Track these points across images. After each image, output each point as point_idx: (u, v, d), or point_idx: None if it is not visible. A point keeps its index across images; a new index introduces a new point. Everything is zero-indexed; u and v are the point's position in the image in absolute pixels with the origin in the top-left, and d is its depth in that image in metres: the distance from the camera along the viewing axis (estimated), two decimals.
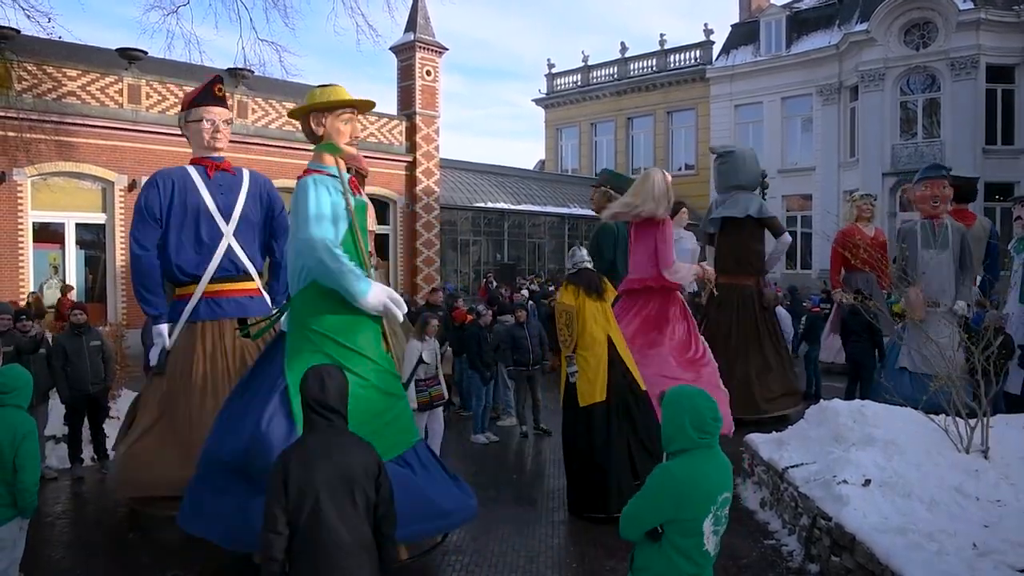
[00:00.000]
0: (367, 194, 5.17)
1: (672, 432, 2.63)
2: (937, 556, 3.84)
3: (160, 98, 14.64)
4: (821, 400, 6.67)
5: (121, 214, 14.06)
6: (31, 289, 13.16)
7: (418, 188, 19.12)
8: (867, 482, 4.74)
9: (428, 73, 19.19)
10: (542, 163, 33.66)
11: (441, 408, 7.09)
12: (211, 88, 5.68)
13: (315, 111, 4.44)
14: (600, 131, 31.52)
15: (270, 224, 5.85)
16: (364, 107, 4.67)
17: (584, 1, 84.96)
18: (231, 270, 5.54)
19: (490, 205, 21.41)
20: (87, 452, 7.20)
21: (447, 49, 19.44)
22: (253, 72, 15.01)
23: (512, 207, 21.85)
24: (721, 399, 7.19)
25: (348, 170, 4.61)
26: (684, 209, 9.29)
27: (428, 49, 19.11)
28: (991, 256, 8.97)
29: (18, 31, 12.43)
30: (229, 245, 5.50)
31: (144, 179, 14.40)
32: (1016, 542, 3.89)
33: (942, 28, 21.71)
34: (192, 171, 5.56)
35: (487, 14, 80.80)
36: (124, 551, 5.16)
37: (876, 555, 3.99)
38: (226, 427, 4.27)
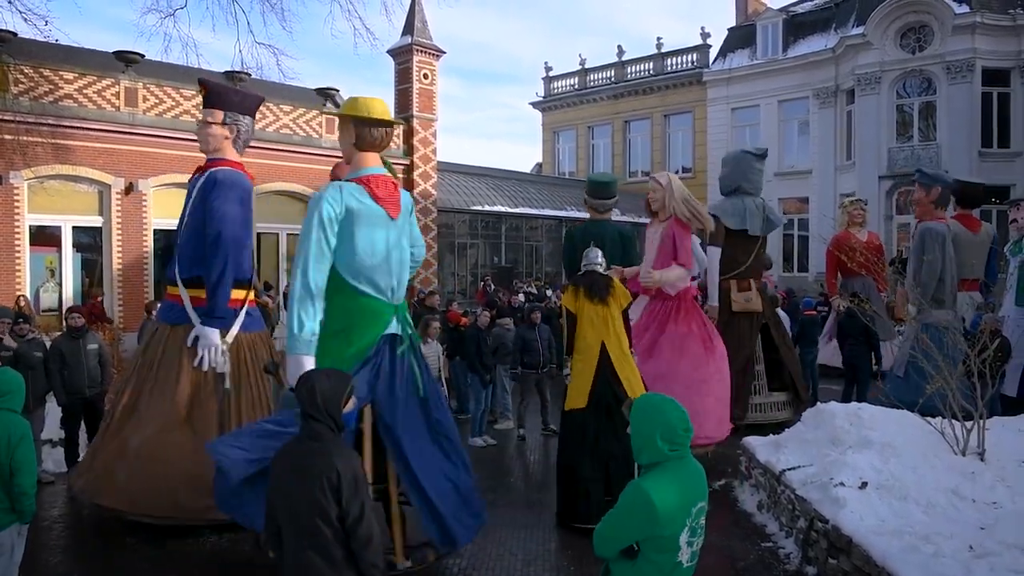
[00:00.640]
0: None
1: (641, 444, 2.56)
2: (933, 558, 3.85)
3: (157, 101, 14.56)
4: (818, 403, 6.69)
5: (118, 217, 13.99)
6: (27, 293, 13.12)
7: (415, 191, 19.11)
8: (864, 484, 4.75)
9: (425, 76, 19.19)
10: (539, 166, 33.66)
11: None
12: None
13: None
14: (597, 134, 31.49)
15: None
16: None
17: (581, 4, 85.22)
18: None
19: (487, 208, 21.39)
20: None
21: (444, 52, 19.45)
22: (250, 75, 14.98)
23: (509, 210, 21.83)
24: (723, 395, 7.26)
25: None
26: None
27: (425, 52, 19.11)
28: (989, 259, 8.98)
29: (15, 34, 12.43)
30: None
31: (141, 182, 14.60)
32: (1012, 544, 3.89)
33: (938, 32, 21.75)
34: None
35: (484, 17, 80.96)
36: (121, 556, 5.15)
37: (873, 557, 4.01)
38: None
